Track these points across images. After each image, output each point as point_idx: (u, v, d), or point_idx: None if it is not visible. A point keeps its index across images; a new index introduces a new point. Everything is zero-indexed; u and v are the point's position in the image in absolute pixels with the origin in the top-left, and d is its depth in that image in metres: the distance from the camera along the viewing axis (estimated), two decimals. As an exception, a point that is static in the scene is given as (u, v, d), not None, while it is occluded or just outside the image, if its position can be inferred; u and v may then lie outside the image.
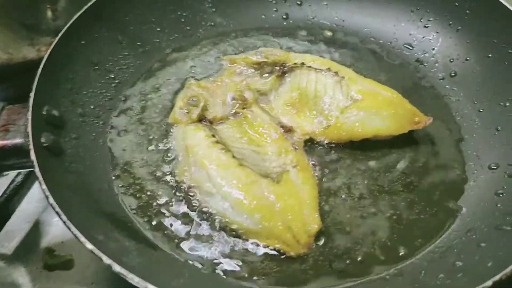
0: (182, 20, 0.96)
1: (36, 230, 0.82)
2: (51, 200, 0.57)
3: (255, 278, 0.63)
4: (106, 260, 0.52)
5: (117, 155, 0.76)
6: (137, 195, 0.71)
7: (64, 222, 0.55)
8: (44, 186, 0.57)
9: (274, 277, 0.63)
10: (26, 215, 0.83)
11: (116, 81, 0.86)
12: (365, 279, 0.62)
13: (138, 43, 0.91)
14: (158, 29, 0.94)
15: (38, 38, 0.96)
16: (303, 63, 0.85)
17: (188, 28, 0.96)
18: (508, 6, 0.79)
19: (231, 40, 0.96)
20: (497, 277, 0.50)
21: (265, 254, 0.66)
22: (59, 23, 0.92)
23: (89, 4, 0.84)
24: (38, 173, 0.59)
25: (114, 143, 0.78)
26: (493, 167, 0.72)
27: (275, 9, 1.00)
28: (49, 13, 1.02)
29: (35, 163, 0.60)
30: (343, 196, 0.71)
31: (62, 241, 0.79)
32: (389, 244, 0.66)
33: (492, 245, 0.60)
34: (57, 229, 0.81)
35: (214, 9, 0.99)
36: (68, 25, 0.80)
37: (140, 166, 0.75)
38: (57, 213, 0.56)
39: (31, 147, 0.61)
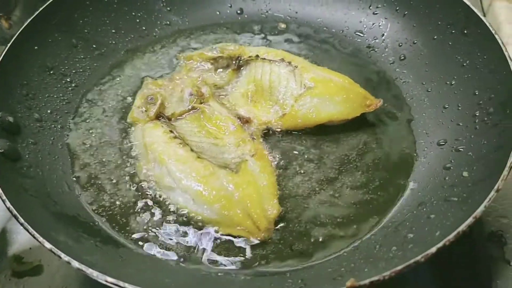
0: (138, 20, 0.97)
1: (3, 238, 0.82)
2: (8, 204, 0.57)
3: (219, 266, 0.65)
4: (64, 257, 0.53)
5: (76, 157, 0.77)
6: (99, 195, 0.72)
7: (21, 225, 0.56)
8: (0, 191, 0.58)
9: (238, 263, 0.65)
10: (-9, 225, 0.83)
11: (73, 85, 0.86)
12: (324, 259, 0.64)
13: (94, 46, 0.92)
14: (113, 30, 0.94)
15: (-7, 47, 0.95)
16: (257, 56, 0.87)
17: (143, 28, 0.97)
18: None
19: (187, 38, 0.98)
20: (440, 244, 0.53)
21: (228, 242, 0.67)
22: (14, 33, 0.92)
23: (40, 9, 0.84)
24: (-6, 179, 0.59)
25: (73, 146, 0.79)
26: (441, 143, 0.75)
27: (229, 5, 1.02)
28: (3, 23, 1.02)
29: (-10, 169, 0.60)
30: (301, 181, 0.74)
31: (30, 247, 0.79)
32: (346, 223, 0.68)
33: (441, 216, 0.62)
34: (24, 237, 0.80)
35: (168, 8, 1.00)
36: (19, 31, 0.80)
37: (101, 166, 0.76)
38: (14, 216, 0.57)
39: (-15, 153, 0.62)
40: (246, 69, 0.88)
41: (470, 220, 0.55)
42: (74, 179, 0.74)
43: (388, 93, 0.85)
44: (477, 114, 0.73)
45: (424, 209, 0.66)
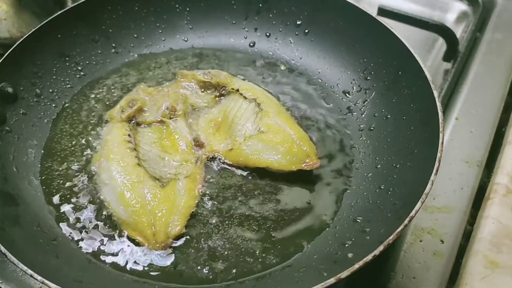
0: (160, 31, 1.08)
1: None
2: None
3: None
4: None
5: (54, 134, 0.91)
6: (52, 170, 0.85)
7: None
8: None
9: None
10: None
11: (82, 73, 1.01)
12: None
13: (113, 45, 1.05)
14: (135, 35, 1.07)
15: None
16: (237, 90, 0.94)
17: (163, 39, 1.09)
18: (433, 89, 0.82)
19: (196, 57, 1.08)
20: None
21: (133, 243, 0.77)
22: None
23: (74, 5, 0.99)
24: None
25: (57, 124, 0.93)
26: (357, 220, 0.77)
27: (245, 36, 1.10)
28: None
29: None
30: (219, 211, 0.80)
31: None
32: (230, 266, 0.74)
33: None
34: None
35: (191, 27, 1.10)
36: (49, 18, 0.96)
37: (67, 147, 0.89)
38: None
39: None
40: (225, 99, 0.96)
41: None
42: (42, 151, 0.88)
43: (339, 155, 0.88)
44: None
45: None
